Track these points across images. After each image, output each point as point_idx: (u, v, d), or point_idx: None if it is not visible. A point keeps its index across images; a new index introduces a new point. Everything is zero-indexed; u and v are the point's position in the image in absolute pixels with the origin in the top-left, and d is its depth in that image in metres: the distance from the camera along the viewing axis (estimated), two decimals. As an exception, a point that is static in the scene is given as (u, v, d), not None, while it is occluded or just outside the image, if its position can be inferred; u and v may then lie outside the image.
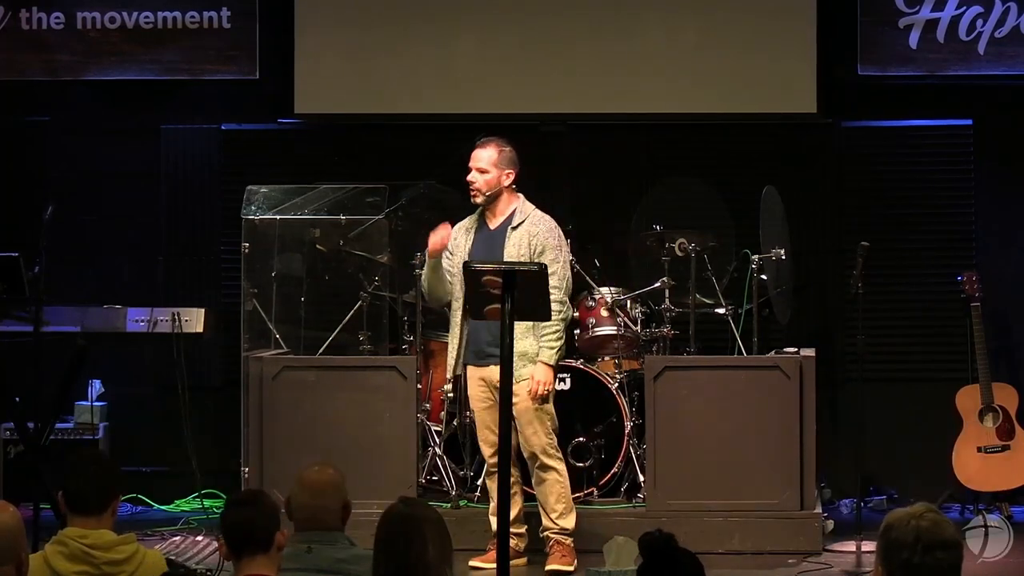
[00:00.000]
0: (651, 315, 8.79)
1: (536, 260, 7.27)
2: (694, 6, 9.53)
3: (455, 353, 7.51)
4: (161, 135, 9.82)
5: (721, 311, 8.68)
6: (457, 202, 8.13)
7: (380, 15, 9.59)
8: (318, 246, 8.90)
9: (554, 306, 7.31)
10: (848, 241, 9.12)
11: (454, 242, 7.51)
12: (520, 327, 7.29)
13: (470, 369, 7.55)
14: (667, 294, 8.64)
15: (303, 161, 9.66)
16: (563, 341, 7.50)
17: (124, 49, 9.69)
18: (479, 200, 7.44)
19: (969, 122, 9.56)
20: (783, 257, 8.64)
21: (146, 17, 9.67)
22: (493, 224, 7.49)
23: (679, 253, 8.63)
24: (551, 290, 7.30)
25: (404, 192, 8.86)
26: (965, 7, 9.41)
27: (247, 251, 8.73)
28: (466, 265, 6.85)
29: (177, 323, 8.11)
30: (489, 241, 7.44)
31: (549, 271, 7.29)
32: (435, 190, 8.95)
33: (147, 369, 9.53)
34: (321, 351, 8.63)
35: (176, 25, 9.68)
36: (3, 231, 9.39)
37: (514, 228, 7.41)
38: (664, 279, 8.64)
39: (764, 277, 8.63)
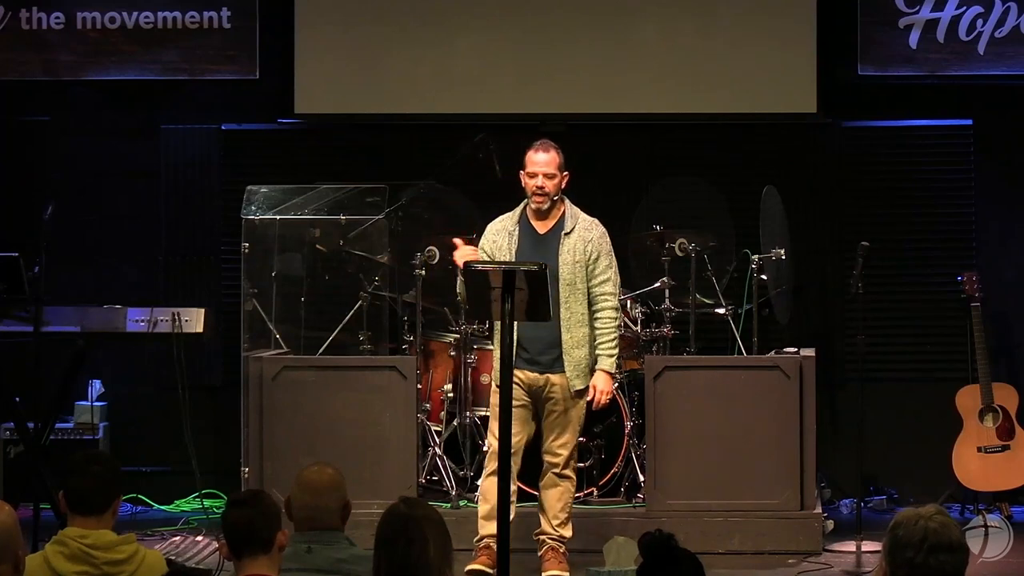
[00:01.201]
0: (651, 315, 8.79)
1: (591, 265, 7.24)
2: (694, 6, 9.53)
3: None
4: (161, 135, 9.82)
5: (721, 311, 8.68)
6: (457, 202, 8.12)
7: (380, 15, 9.59)
8: (318, 246, 8.90)
9: (611, 312, 7.31)
10: (848, 241, 9.11)
11: (494, 244, 7.32)
12: (576, 336, 7.26)
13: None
14: (667, 294, 8.64)
15: (303, 161, 9.66)
16: (619, 349, 7.46)
17: (124, 49, 9.69)
18: (545, 206, 7.28)
19: (969, 122, 9.56)
20: (783, 257, 8.64)
21: (146, 17, 9.67)
22: (542, 228, 7.33)
23: (679, 253, 8.64)
24: (607, 296, 7.28)
25: (404, 192, 8.86)
26: (965, 7, 9.42)
27: (247, 251, 8.73)
28: (467, 265, 6.85)
29: (177, 323, 8.09)
30: (540, 246, 7.27)
31: (604, 277, 7.28)
32: (435, 190, 8.95)
33: (147, 369, 9.53)
34: (321, 351, 8.63)
35: (176, 25, 9.68)
36: (3, 231, 9.40)
37: (567, 234, 7.28)
38: (664, 279, 8.64)
39: (764, 277, 8.63)
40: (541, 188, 7.26)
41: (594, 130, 9.72)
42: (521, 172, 7.36)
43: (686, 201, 9.49)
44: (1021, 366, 9.46)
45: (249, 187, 8.86)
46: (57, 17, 9.67)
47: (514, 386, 7.18)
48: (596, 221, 7.41)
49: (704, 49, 9.49)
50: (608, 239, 7.39)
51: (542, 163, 7.28)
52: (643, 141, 9.74)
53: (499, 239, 7.34)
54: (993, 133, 9.56)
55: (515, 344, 7.20)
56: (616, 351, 7.35)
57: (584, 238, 7.30)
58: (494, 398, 7.41)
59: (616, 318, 7.36)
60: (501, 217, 7.45)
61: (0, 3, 9.66)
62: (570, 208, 7.37)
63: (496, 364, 7.32)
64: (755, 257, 8.62)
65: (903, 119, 9.64)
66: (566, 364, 7.23)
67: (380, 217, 8.77)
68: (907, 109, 9.62)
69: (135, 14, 9.67)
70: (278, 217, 8.86)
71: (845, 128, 9.64)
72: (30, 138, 9.82)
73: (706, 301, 8.76)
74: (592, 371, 7.31)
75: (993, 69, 9.43)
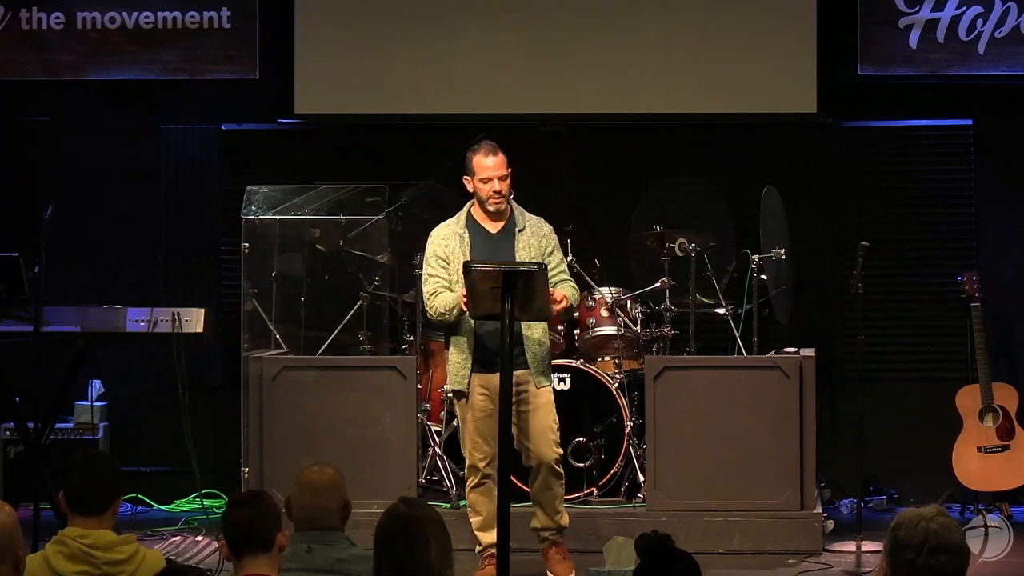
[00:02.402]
0: (651, 315, 8.79)
1: (547, 259, 7.19)
2: (694, 6, 9.53)
3: (468, 367, 7.18)
4: (161, 135, 9.82)
5: (721, 311, 8.68)
6: (457, 202, 8.11)
7: (380, 15, 9.59)
8: (318, 246, 8.90)
9: (572, 291, 7.29)
10: (848, 241, 9.11)
11: (445, 249, 7.22)
12: (536, 332, 7.24)
13: (472, 377, 7.21)
14: (667, 294, 8.64)
15: (303, 161, 9.66)
16: (572, 309, 7.48)
17: (124, 49, 9.70)
18: (503, 207, 7.23)
19: (969, 122, 9.56)
20: (783, 257, 8.64)
21: (146, 17, 9.67)
22: (494, 228, 7.27)
23: (679, 253, 8.64)
24: (567, 280, 7.29)
25: (404, 192, 8.86)
26: (965, 7, 9.42)
27: (247, 251, 8.73)
28: (466, 265, 6.84)
29: (177, 323, 8.08)
30: (495, 245, 7.22)
31: (561, 268, 7.32)
32: (435, 190, 8.94)
33: (147, 369, 9.53)
34: (321, 351, 8.63)
35: (176, 25, 9.68)
36: (3, 231, 9.40)
37: (520, 231, 7.25)
38: (664, 279, 8.64)
39: (764, 277, 8.64)
40: (498, 192, 7.20)
41: (594, 130, 9.72)
42: (467, 178, 7.26)
43: (686, 201, 9.48)
44: (1021, 366, 9.46)
45: (249, 187, 8.86)
46: (57, 17, 9.67)
47: (481, 396, 7.19)
48: (543, 219, 7.39)
49: (704, 49, 9.49)
50: (555, 236, 7.39)
51: (494, 166, 7.20)
52: (643, 141, 9.74)
53: (450, 243, 7.23)
54: (993, 133, 9.56)
55: (474, 347, 7.20)
56: (573, 302, 7.29)
57: (538, 234, 7.29)
58: (460, 411, 7.31)
59: (577, 295, 7.37)
60: (444, 223, 7.36)
61: (0, 3, 9.66)
62: (515, 206, 7.34)
63: (460, 372, 7.21)
64: (755, 257, 8.62)
65: (903, 119, 9.64)
66: (529, 360, 7.17)
67: (380, 217, 8.77)
68: (907, 109, 9.62)
69: (135, 14, 9.67)
70: (278, 217, 8.86)
71: (845, 128, 9.64)
72: (30, 138, 9.82)
73: (706, 301, 8.76)
74: (551, 369, 7.38)
75: (993, 69, 9.43)
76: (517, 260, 7.13)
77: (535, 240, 7.27)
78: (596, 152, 9.70)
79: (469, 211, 7.32)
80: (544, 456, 7.24)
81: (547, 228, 7.37)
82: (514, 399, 7.13)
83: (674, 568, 3.59)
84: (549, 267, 7.19)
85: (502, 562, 6.41)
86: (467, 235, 7.24)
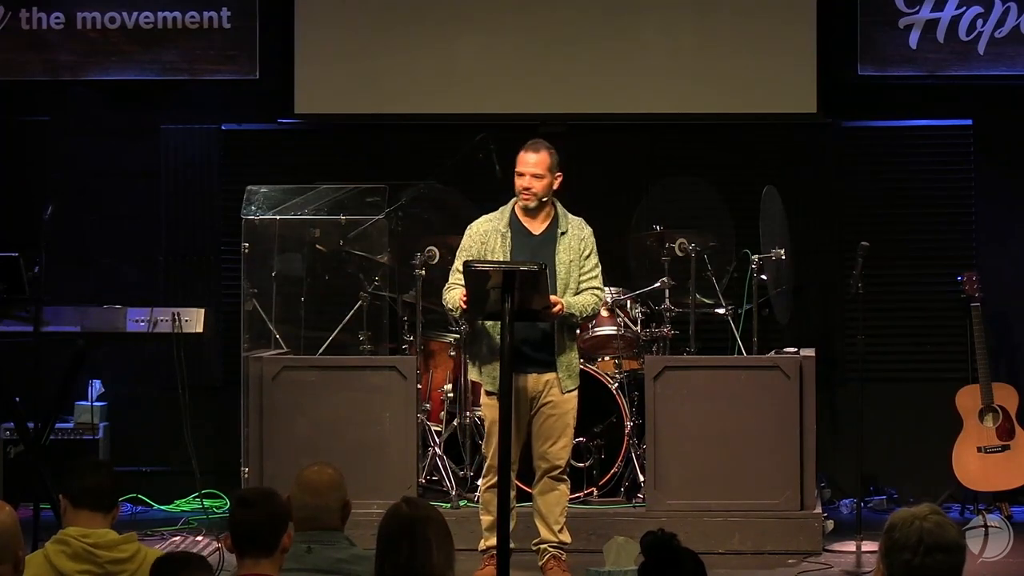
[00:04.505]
0: (651, 315, 8.79)
1: (583, 262, 7.17)
2: (694, 6, 9.53)
3: (497, 368, 7.01)
4: (161, 135, 9.82)
5: (721, 311, 8.68)
6: (457, 202, 8.12)
7: (380, 15, 9.59)
8: (318, 246, 8.90)
9: (595, 298, 7.20)
10: (848, 241, 9.11)
11: (482, 246, 7.18)
12: (569, 337, 7.23)
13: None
14: (667, 294, 8.64)
15: (303, 161, 9.66)
16: (587, 316, 7.34)
17: (124, 49, 9.69)
18: (532, 205, 7.17)
19: (969, 122, 9.56)
20: (783, 257, 8.65)
21: (146, 17, 9.67)
22: (537, 229, 7.21)
23: (679, 253, 8.64)
24: (596, 288, 7.20)
25: (404, 192, 8.86)
26: (965, 7, 9.42)
27: (247, 251, 8.74)
28: (467, 264, 6.83)
29: (177, 323, 8.08)
30: (536, 248, 7.16)
31: (593, 273, 7.21)
32: (435, 190, 8.95)
33: (147, 369, 9.52)
34: (321, 351, 8.63)
35: (176, 25, 9.68)
36: (3, 231, 9.40)
37: (563, 234, 7.20)
38: (664, 279, 8.64)
39: (764, 277, 8.64)
40: (528, 188, 7.16)
41: (594, 130, 9.71)
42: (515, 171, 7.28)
43: (686, 201, 9.49)
44: (1021, 366, 9.46)
45: (249, 187, 8.86)
46: (57, 17, 9.67)
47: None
48: (583, 220, 7.36)
49: (704, 49, 9.49)
50: (594, 238, 7.37)
51: (530, 163, 7.18)
52: (643, 141, 9.74)
53: (490, 240, 7.19)
54: (993, 133, 9.56)
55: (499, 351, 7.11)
56: (581, 313, 7.17)
57: (578, 236, 7.24)
58: (488, 411, 7.24)
59: (597, 304, 7.28)
60: (487, 217, 7.32)
61: (0, 3, 9.66)
62: (561, 208, 7.30)
63: (491, 373, 7.15)
64: (755, 257, 8.62)
65: (903, 119, 9.65)
66: (559, 364, 7.16)
67: (380, 217, 8.77)
68: (907, 109, 9.62)
69: (135, 14, 9.67)
70: (278, 217, 8.86)
71: (845, 128, 9.64)
72: (30, 138, 9.82)
73: (706, 301, 8.76)
74: (578, 372, 7.27)
75: (993, 69, 9.43)
76: (557, 264, 7.10)
77: (575, 243, 7.22)
78: (596, 152, 9.69)
79: (513, 209, 7.27)
80: (557, 460, 7.21)
81: (587, 231, 7.30)
82: (539, 401, 7.16)
83: (679, 567, 3.58)
84: (582, 270, 7.18)
85: (502, 562, 6.41)
86: (509, 235, 7.19)
